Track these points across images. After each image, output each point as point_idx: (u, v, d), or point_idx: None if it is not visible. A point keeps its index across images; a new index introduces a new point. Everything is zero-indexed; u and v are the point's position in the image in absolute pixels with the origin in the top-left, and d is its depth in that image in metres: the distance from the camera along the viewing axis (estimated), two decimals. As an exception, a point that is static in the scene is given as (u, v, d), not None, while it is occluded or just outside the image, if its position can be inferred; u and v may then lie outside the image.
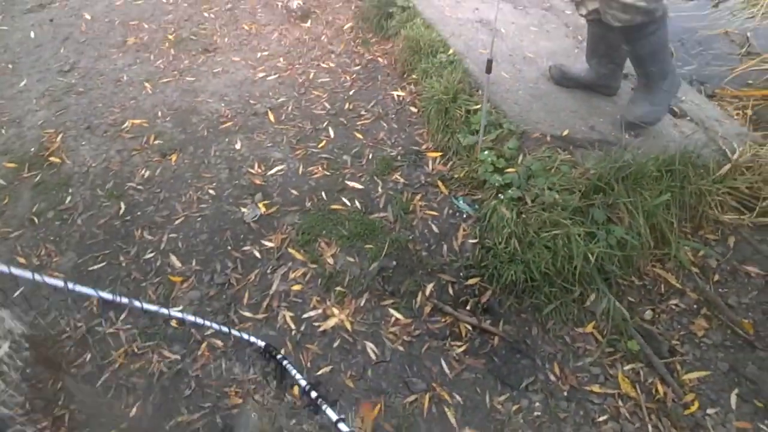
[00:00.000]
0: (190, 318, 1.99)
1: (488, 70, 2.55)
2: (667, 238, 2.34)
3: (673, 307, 2.18)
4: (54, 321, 2.15)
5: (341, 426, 1.71)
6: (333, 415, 1.75)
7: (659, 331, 2.09)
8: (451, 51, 3.32)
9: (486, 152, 2.56)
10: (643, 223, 2.27)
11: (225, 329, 1.99)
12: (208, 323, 1.96)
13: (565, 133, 2.75)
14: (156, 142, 3.04)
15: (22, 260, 2.41)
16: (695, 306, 2.17)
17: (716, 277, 2.26)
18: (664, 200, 2.31)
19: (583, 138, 2.74)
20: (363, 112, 3.17)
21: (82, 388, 1.95)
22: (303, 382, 1.85)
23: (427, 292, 2.18)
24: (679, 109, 3.06)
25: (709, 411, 1.83)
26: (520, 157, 2.54)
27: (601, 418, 1.82)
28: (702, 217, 2.44)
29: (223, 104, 3.31)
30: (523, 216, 2.28)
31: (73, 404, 1.90)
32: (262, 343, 1.97)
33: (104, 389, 1.94)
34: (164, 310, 1.96)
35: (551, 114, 2.92)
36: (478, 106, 2.81)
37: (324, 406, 1.77)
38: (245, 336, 1.98)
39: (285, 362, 1.91)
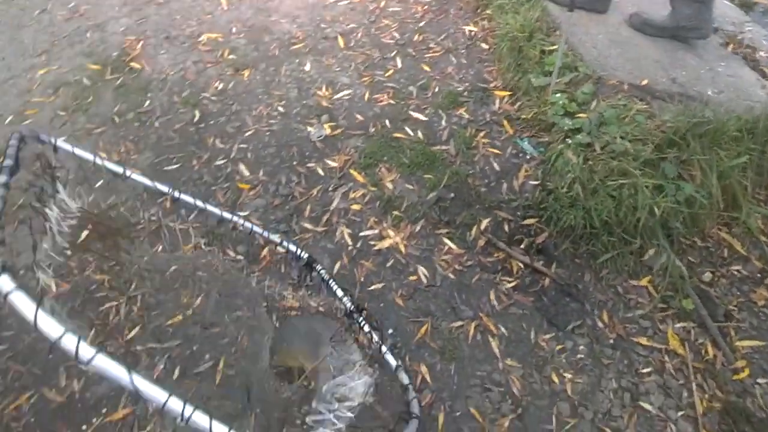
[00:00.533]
0: (248, 224, 1.90)
1: (571, 8, 2.26)
2: (738, 202, 2.09)
3: (735, 272, 1.98)
4: (133, 210, 2.18)
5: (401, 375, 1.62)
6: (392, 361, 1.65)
7: (717, 294, 1.91)
8: (531, -13, 2.97)
9: (558, 95, 2.32)
10: (716, 183, 2.02)
11: (276, 239, 1.94)
12: (263, 232, 1.92)
13: (644, 82, 2.44)
14: (230, 56, 2.93)
15: (103, 155, 2.43)
16: (759, 275, 1.97)
17: (786, 249, 2.02)
18: (741, 162, 2.04)
19: (663, 90, 2.43)
20: (432, 45, 2.93)
21: (152, 275, 1.99)
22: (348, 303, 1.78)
23: (483, 227, 2.06)
24: (769, 71, 2.68)
25: (760, 380, 1.68)
26: (594, 103, 2.29)
27: (645, 370, 1.71)
28: (779, 185, 2.17)
29: (295, 25, 3.14)
30: (590, 162, 2.07)
31: (145, 287, 1.95)
32: (305, 256, 1.91)
33: (172, 279, 1.97)
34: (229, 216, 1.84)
35: (631, 62, 2.60)
36: (555, 47, 2.53)
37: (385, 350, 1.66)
38: (293, 248, 1.93)
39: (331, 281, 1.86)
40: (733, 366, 1.71)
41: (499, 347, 1.75)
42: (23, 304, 0.81)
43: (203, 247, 2.04)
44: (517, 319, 1.83)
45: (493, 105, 2.53)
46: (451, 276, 1.93)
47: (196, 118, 2.56)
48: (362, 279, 1.92)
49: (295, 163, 2.33)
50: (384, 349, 1.65)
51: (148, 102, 2.68)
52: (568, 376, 1.69)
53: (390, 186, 2.21)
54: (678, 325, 1.82)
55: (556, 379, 1.68)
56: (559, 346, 1.76)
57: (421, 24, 3.07)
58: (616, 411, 1.62)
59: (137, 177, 1.61)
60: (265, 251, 2.02)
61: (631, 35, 2.79)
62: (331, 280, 1.86)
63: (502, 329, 1.80)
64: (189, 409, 0.81)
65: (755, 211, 2.10)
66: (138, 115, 2.62)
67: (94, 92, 2.78)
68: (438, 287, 1.91)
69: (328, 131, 2.45)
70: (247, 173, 2.30)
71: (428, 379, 1.67)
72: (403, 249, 2.01)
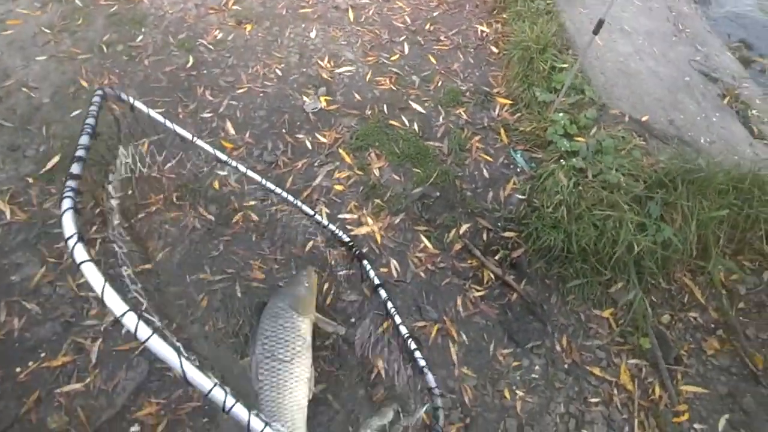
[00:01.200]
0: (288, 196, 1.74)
1: (596, 30, 2.17)
2: (708, 252, 2.08)
3: (691, 319, 1.98)
4: (105, 148, 2.00)
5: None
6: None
7: (672, 337, 1.91)
8: (551, 0, 2.88)
9: (561, 114, 2.25)
10: (693, 230, 2.01)
11: (311, 212, 1.78)
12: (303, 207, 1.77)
13: (645, 118, 2.40)
14: (234, 7, 2.72)
15: (84, 83, 2.22)
16: (712, 325, 1.97)
17: (741, 305, 2.02)
18: (721, 215, 2.04)
19: (660, 129, 2.40)
20: (442, 38, 2.80)
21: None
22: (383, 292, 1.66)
23: (462, 231, 1.99)
24: (757, 130, 2.69)
25: (696, 426, 1.69)
26: (594, 129, 2.24)
27: (593, 399, 1.69)
28: (746, 242, 2.17)
29: (307, -12, 2.95)
30: (580, 188, 2.02)
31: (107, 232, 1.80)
32: (347, 239, 1.80)
33: (139, 227, 1.82)
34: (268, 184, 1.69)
35: (635, 95, 2.55)
36: (566, 65, 2.45)
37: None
38: (336, 231, 1.80)
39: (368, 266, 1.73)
40: (675, 408, 1.71)
41: (458, 354, 1.70)
42: (93, 276, 0.81)
43: (174, 200, 1.89)
44: (480, 330, 1.78)
45: (493, 111, 2.44)
46: (422, 275, 1.86)
47: (189, 64, 2.37)
48: (332, 262, 1.83)
49: (284, 131, 2.19)
50: (426, 368, 1.52)
51: (141, 37, 2.47)
52: (520, 393, 1.65)
53: (377, 173, 2.10)
54: (631, 361, 1.81)
55: (508, 395, 1.64)
56: (516, 363, 1.72)
57: (435, 14, 2.94)
58: (559, 435, 1.60)
59: (202, 144, 1.55)
60: (237, 216, 1.89)
61: (639, 69, 2.74)
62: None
63: (464, 337, 1.74)
64: (231, 401, 0.83)
65: (721, 263, 2.10)
66: (128, 49, 2.40)
67: (84, 15, 2.54)
68: (407, 283, 1.83)
69: (323, 105, 2.31)
70: (233, 132, 2.15)
71: (382, 374, 1.60)
72: (378, 239, 1.92)
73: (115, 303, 0.80)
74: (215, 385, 0.82)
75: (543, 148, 2.24)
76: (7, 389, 1.44)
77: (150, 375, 1.49)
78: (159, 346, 0.81)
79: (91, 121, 1.15)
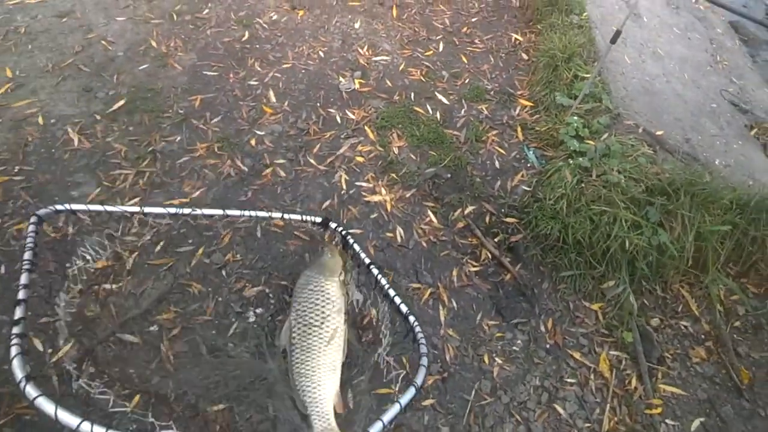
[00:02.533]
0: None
1: (613, 40, 2.21)
2: (707, 266, 2.06)
3: (682, 327, 1.96)
4: (163, 99, 2.20)
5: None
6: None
7: (659, 339, 1.89)
8: (585, 14, 2.91)
9: (575, 118, 2.29)
10: (691, 241, 1.99)
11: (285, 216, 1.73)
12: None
13: (659, 133, 2.40)
14: (291, -6, 2.91)
15: (154, 44, 2.44)
16: (703, 336, 1.94)
17: (737, 324, 1.99)
18: (723, 230, 2.01)
19: (674, 145, 2.39)
20: (477, 41, 2.88)
21: (165, 159, 2.01)
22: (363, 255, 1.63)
23: (466, 211, 2.05)
24: (778, 160, 2.62)
25: (669, 421, 1.68)
26: (605, 135, 2.26)
27: (569, 380, 1.71)
28: (753, 266, 2.13)
29: (358, -14, 3.10)
30: (582, 185, 2.05)
31: (155, 168, 1.97)
32: (319, 219, 1.74)
33: (181, 168, 1.99)
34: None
35: (654, 111, 2.55)
36: (588, 75, 2.49)
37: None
38: (304, 217, 1.73)
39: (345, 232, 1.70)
40: (649, 401, 1.71)
41: (446, 317, 1.76)
42: (46, 405, 0.98)
43: (216, 149, 2.05)
44: (470, 300, 1.83)
45: (514, 110, 2.49)
46: (424, 244, 1.93)
47: (245, 38, 2.56)
48: (345, 221, 1.93)
49: (318, 105, 2.33)
50: (417, 328, 1.47)
51: (207, 11, 2.68)
52: (499, 361, 1.69)
53: (396, 151, 2.20)
54: (613, 353, 1.82)
55: (486, 360, 1.69)
56: (500, 334, 1.77)
57: (474, 19, 3.02)
58: (531, 404, 1.63)
59: (153, 210, 1.55)
60: (267, 170, 2.02)
61: (664, 89, 2.74)
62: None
63: (454, 303, 1.80)
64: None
65: (721, 280, 2.07)
66: (194, 19, 2.62)
67: (161, -12, 2.78)
68: (409, 249, 1.91)
69: (357, 86, 2.44)
70: (273, 99, 2.30)
71: (374, 322, 1.68)
72: (389, 207, 2.01)
73: (68, 418, 0.95)
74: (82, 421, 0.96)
75: (555, 147, 2.28)
76: (58, 279, 1.61)
77: (173, 288, 1.64)
78: None
79: (28, 255, 1.12)
